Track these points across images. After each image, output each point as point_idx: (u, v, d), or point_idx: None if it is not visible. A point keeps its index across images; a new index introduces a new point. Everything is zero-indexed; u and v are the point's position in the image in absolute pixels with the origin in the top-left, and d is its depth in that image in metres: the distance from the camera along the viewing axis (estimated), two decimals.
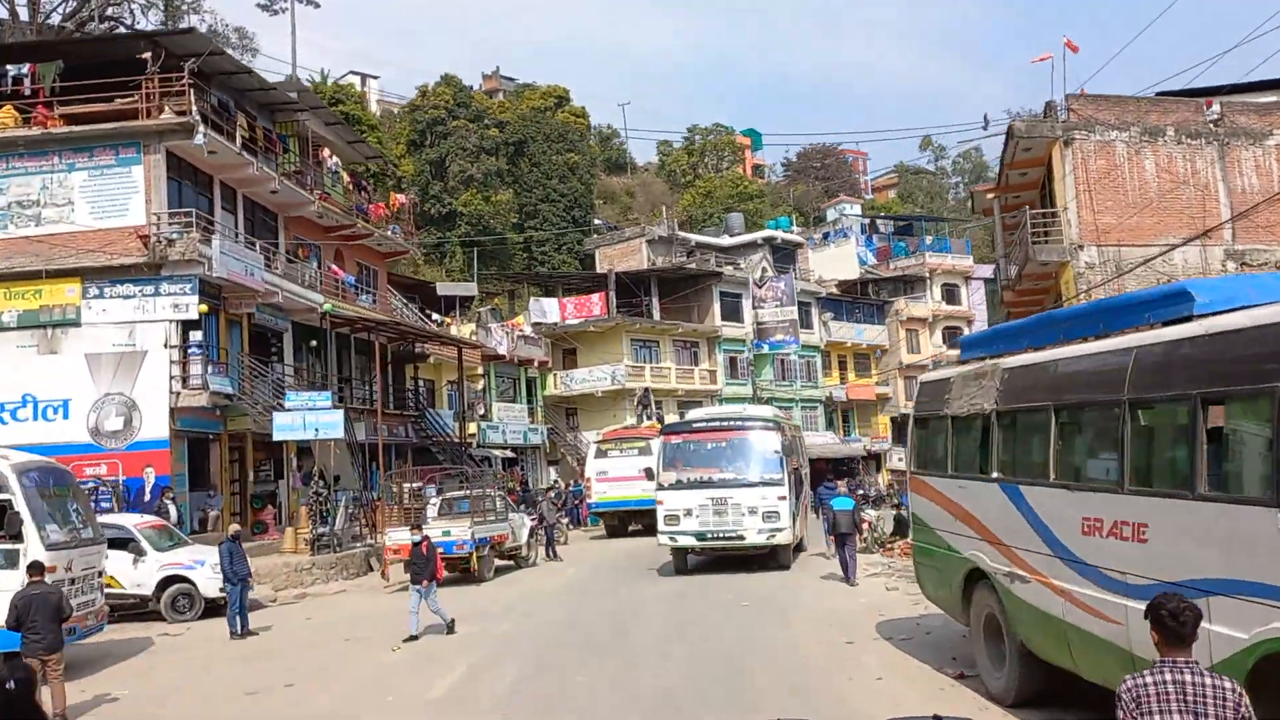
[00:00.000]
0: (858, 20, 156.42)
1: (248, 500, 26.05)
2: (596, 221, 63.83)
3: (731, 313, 52.19)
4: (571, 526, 35.22)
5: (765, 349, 33.23)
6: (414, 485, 30.51)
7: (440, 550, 19.88)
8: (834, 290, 58.73)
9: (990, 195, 28.93)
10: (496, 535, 21.89)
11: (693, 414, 23.23)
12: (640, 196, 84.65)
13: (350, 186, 32.83)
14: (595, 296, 47.51)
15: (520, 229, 64.68)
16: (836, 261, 62.94)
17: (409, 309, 39.43)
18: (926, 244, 63.86)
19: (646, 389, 35.87)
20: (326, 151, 31.26)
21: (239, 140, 25.67)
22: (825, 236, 67.19)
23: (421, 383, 38.03)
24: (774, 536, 18.28)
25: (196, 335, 23.22)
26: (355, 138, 33.95)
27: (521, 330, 44.90)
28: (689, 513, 18.27)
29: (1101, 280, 24.23)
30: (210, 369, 23.48)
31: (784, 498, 18.22)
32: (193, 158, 24.82)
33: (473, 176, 63.01)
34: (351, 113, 56.51)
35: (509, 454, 41.44)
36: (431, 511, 23.43)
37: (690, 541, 19.12)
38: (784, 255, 57.73)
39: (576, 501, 36.94)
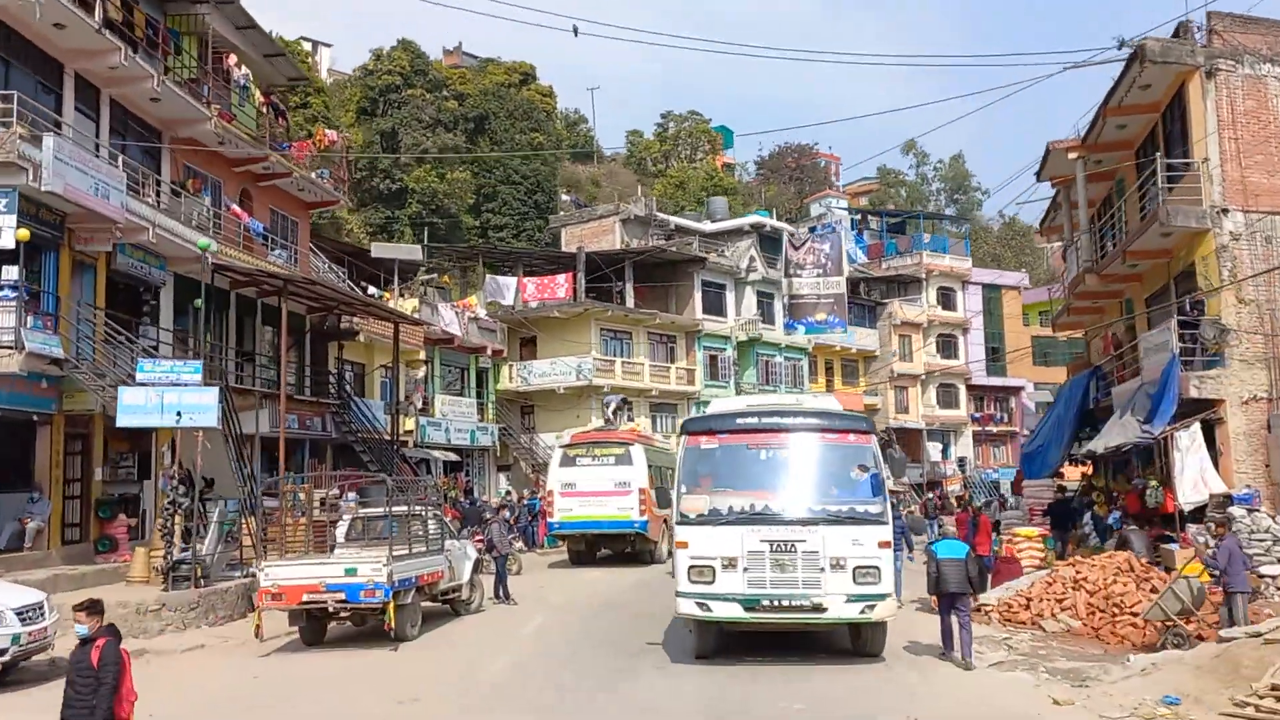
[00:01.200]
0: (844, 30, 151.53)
1: (91, 507, 19.18)
2: (564, 197, 57.32)
3: (714, 306, 46.01)
4: (525, 549, 28.67)
5: (800, 331, 25.75)
6: (329, 493, 23.99)
7: (341, 596, 13.43)
8: None
9: (1073, 154, 23.01)
10: (427, 574, 15.35)
11: (727, 404, 16.88)
12: (606, 186, 78.49)
13: (265, 110, 26.02)
14: (561, 278, 41.02)
15: (477, 212, 58.18)
16: None
17: (338, 276, 32.64)
18: (924, 242, 58.24)
19: (624, 399, 29.42)
20: (234, 59, 24.45)
21: (99, 14, 18.86)
22: (811, 231, 61.14)
23: (348, 366, 31.27)
24: (871, 608, 11.30)
25: (11, 273, 16.42)
26: (275, 50, 27.14)
27: (474, 312, 38.27)
28: (730, 564, 11.12)
29: (1250, 262, 18.32)
30: (31, 322, 16.66)
31: (887, 544, 11.53)
32: (29, 29, 18.01)
33: (427, 151, 56.64)
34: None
35: (452, 456, 34.76)
36: (340, 532, 16.79)
37: (733, 612, 11.47)
38: (773, 245, 51.57)
39: (531, 518, 30.39)
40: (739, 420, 12.23)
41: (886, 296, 56.86)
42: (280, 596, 13.91)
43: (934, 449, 56.98)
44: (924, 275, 56.81)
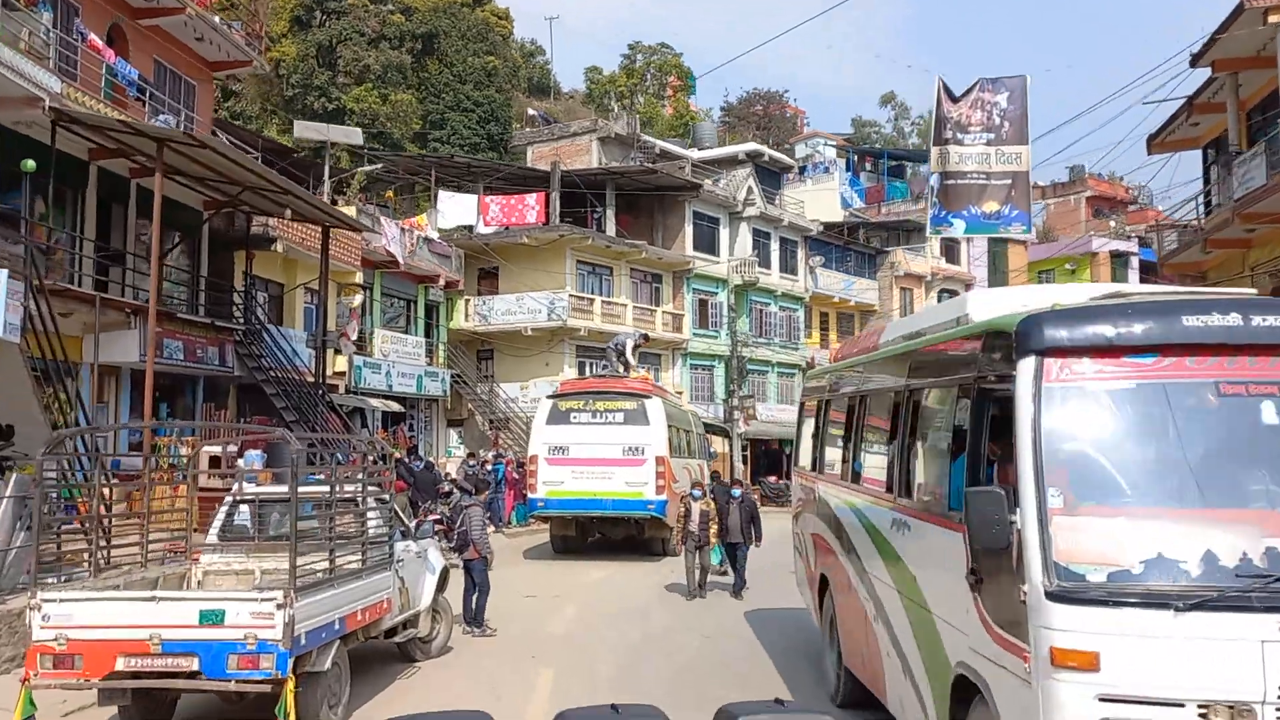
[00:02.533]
0: None
1: None
2: (530, 112, 50.03)
3: (706, 242, 39.41)
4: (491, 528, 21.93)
5: (950, 226, 18.29)
6: (225, 451, 17.38)
7: (192, 664, 6.72)
8: (819, 231, 46.43)
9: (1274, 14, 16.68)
10: (363, 610, 8.58)
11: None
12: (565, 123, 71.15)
13: None
14: (531, 199, 34.05)
15: (423, 140, 50.70)
16: (815, 202, 50.49)
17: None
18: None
19: (644, 335, 22.25)
20: None
21: None
22: (801, 171, 54.79)
23: (261, 285, 24.10)
24: None
25: None
26: None
27: (424, 233, 31.14)
28: None
29: None
30: None
31: None
32: None
33: (369, 68, 49.32)
34: None
35: (394, 406, 27.80)
36: (213, 532, 9.85)
37: None
38: (771, 180, 45.13)
39: (495, 487, 23.59)
40: None
41: (887, 245, 50.73)
42: (72, 661, 7.10)
43: None
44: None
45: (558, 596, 14.74)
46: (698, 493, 14.73)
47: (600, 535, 19.52)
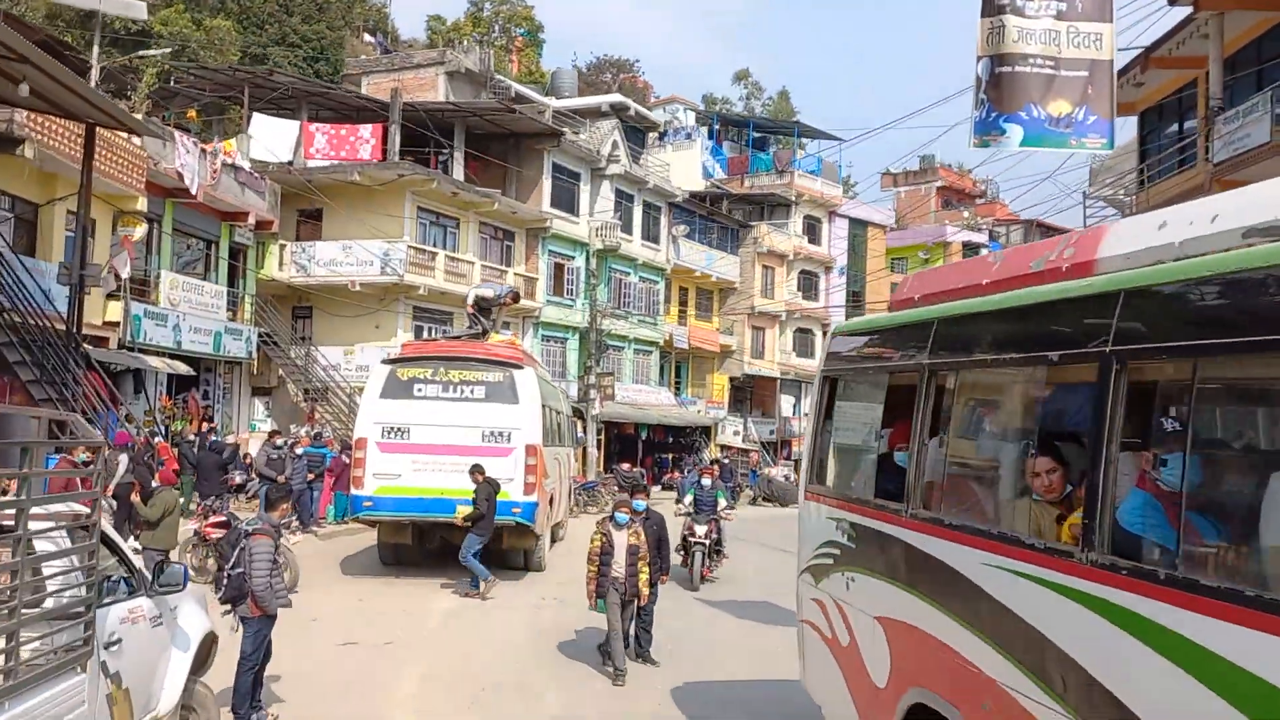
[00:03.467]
0: None
1: None
2: (368, 38, 44.34)
3: (565, 199, 35.20)
4: (299, 529, 17.15)
5: (1002, 135, 13.48)
6: None
7: None
8: (684, 198, 42.95)
9: None
10: None
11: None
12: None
13: None
14: (366, 130, 29.02)
15: None
16: (676, 170, 46.96)
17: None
18: (799, 160, 49.54)
19: (513, 291, 16.75)
20: None
21: None
22: (661, 137, 51.16)
23: (5, 204, 18.38)
24: None
25: None
26: None
27: (232, 159, 25.64)
28: None
29: None
30: None
31: None
32: None
33: None
34: None
35: (182, 368, 22.34)
36: None
37: None
38: (636, 138, 41.29)
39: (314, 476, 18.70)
40: None
41: (750, 220, 47.79)
42: None
43: (787, 403, 48.88)
44: (794, 198, 48.15)
45: (390, 645, 10.39)
46: (622, 516, 10.04)
47: (442, 540, 15.17)
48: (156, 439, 17.14)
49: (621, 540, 9.60)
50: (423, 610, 12.28)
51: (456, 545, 15.01)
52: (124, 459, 14.07)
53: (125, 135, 19.98)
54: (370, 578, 14.33)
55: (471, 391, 13.94)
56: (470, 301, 15.57)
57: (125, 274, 18.66)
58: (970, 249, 59.57)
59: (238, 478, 13.34)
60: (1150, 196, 19.06)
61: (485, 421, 13.81)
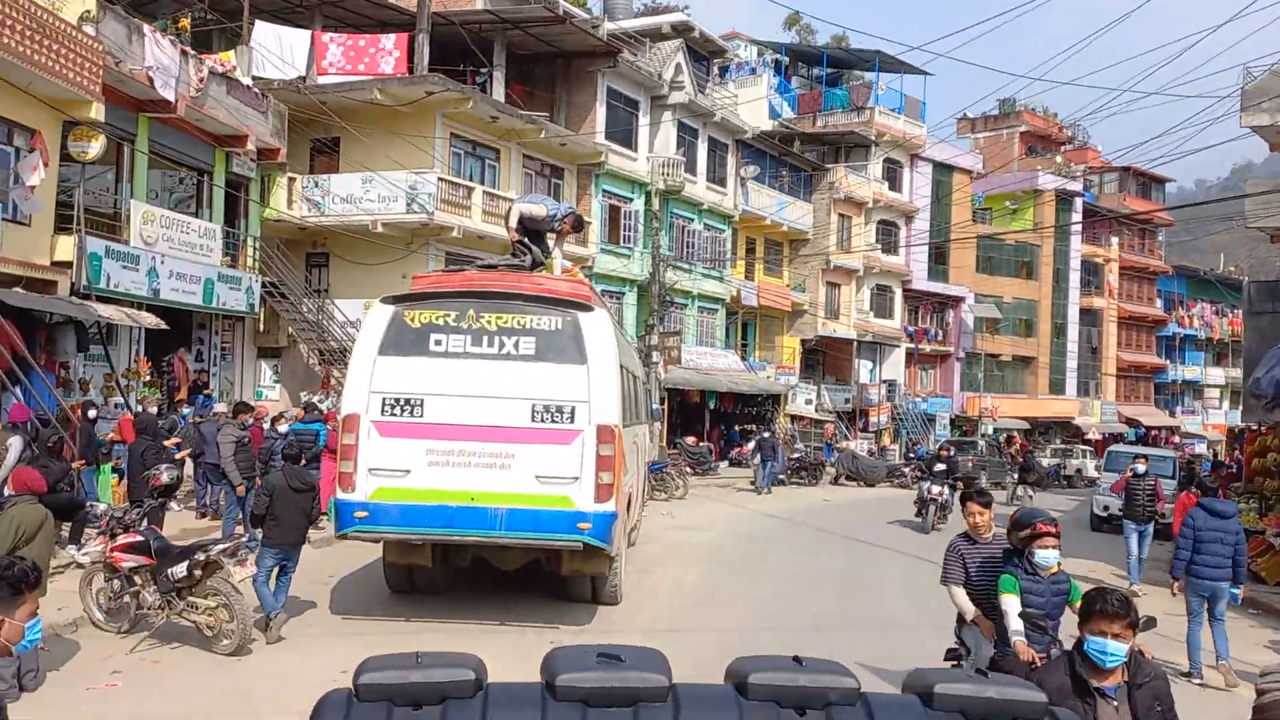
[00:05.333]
0: None
1: None
2: None
3: (622, 133, 30.38)
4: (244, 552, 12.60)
5: None
6: None
7: None
8: (754, 135, 37.88)
9: None
10: None
11: None
12: None
13: None
14: (389, 40, 24.36)
15: None
16: (740, 109, 41.82)
17: None
18: (879, 96, 44.19)
19: (575, 211, 12.01)
20: None
21: None
22: (723, 73, 45.93)
23: None
24: None
25: None
26: None
27: (228, 68, 21.12)
28: None
29: None
30: None
31: None
32: None
33: None
34: None
35: (149, 321, 17.78)
36: None
37: None
38: (703, 67, 36.33)
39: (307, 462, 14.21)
40: None
41: (825, 163, 42.62)
42: None
43: (864, 368, 43.91)
44: (874, 139, 42.86)
45: None
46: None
47: (477, 559, 10.58)
48: (93, 412, 12.68)
49: None
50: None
51: (497, 566, 10.51)
52: (15, 443, 9.67)
53: (72, 22, 15.54)
54: (371, 619, 9.83)
55: (517, 345, 9.30)
56: (513, 221, 10.90)
57: (32, 182, 14.08)
58: (1063, 198, 53.94)
59: (164, 475, 8.84)
60: None
61: (537, 390, 9.19)
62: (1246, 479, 17.10)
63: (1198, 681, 9.12)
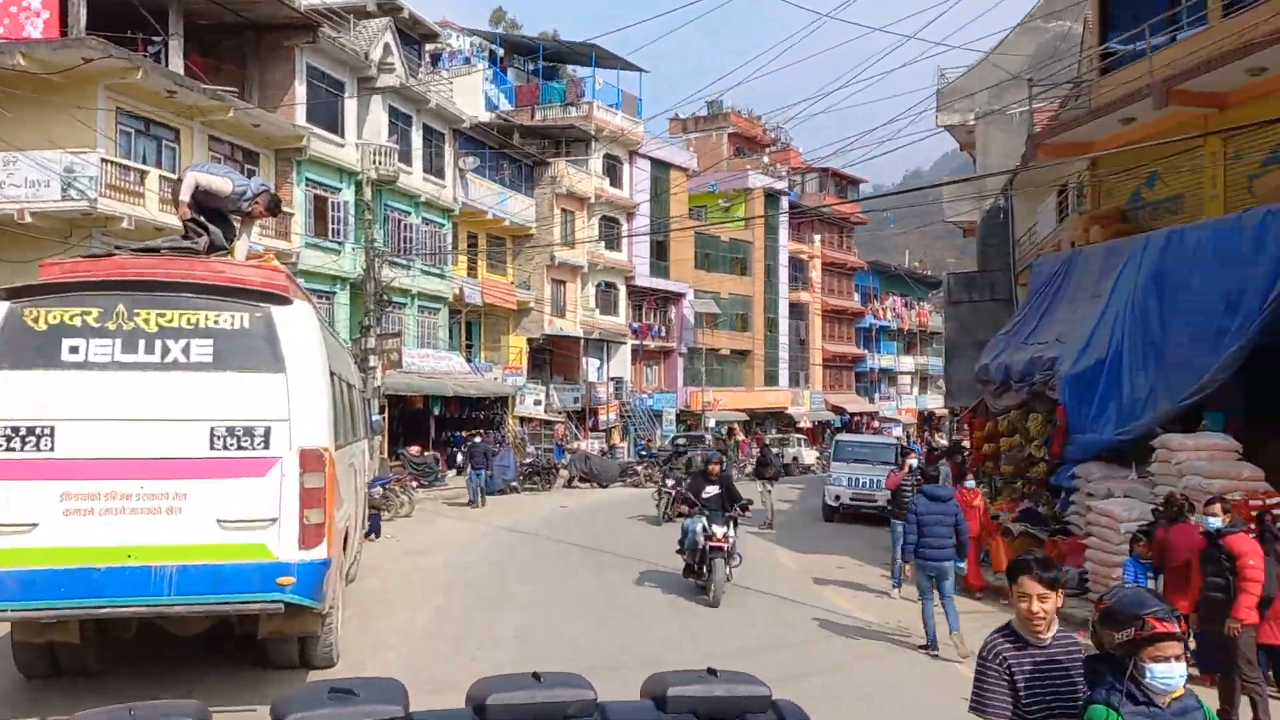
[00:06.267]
0: None
1: None
2: None
3: (327, 116, 27.59)
4: None
5: None
6: None
7: None
8: (472, 126, 36.02)
9: None
10: None
11: None
12: None
13: None
14: (36, 1, 20.51)
15: None
16: (455, 100, 39.82)
17: None
18: (596, 91, 43.61)
19: (266, 189, 9.52)
20: None
21: None
22: (435, 61, 43.68)
23: None
24: None
25: None
26: None
27: None
28: None
29: None
30: None
31: None
32: None
33: None
34: None
35: None
36: None
37: None
38: (414, 50, 34.05)
39: None
40: None
41: (545, 156, 41.48)
42: None
43: (592, 366, 43.24)
44: (594, 133, 42.25)
45: None
46: None
47: (145, 626, 8.23)
48: None
49: None
50: None
51: (173, 633, 8.24)
52: None
53: None
54: None
55: (188, 351, 7.11)
56: (185, 194, 8.58)
57: None
58: (771, 195, 56.03)
59: None
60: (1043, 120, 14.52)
61: (218, 408, 7.06)
62: (976, 463, 17.45)
63: (934, 653, 9.88)
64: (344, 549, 8.99)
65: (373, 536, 15.89)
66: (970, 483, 12.15)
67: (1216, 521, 7.43)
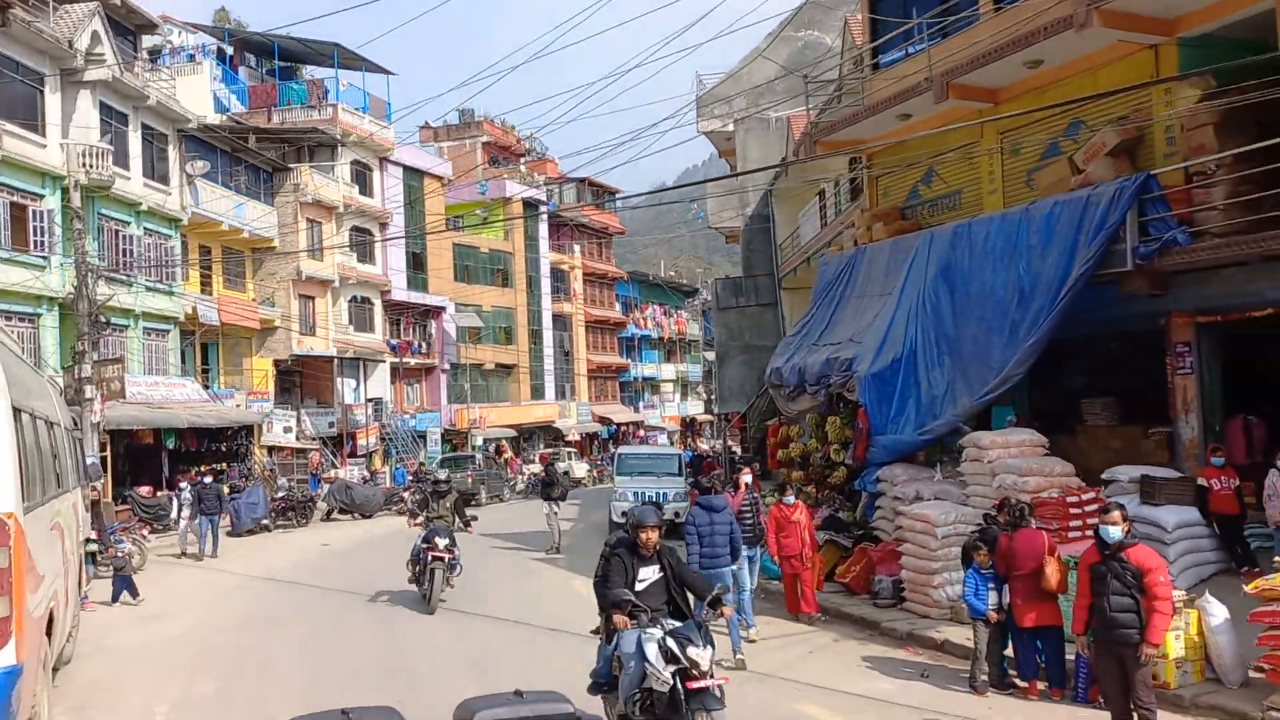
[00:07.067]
0: None
1: None
2: None
3: (23, 110, 23.79)
4: None
5: None
6: None
7: None
8: (200, 127, 32.54)
9: None
10: None
11: None
12: None
13: None
14: None
15: None
16: (180, 100, 36.02)
17: None
18: (340, 93, 40.82)
19: None
20: None
21: None
22: (155, 57, 39.50)
23: None
24: None
25: None
26: None
27: None
28: None
29: None
30: None
31: None
32: None
33: None
34: None
35: None
36: None
37: None
38: (129, 42, 30.28)
39: None
40: None
41: (287, 162, 38.36)
42: None
43: (347, 387, 40.39)
44: (340, 137, 39.54)
45: None
46: None
47: None
48: None
49: None
50: None
51: None
52: None
53: None
54: None
55: None
56: None
57: None
58: (530, 205, 54.91)
59: None
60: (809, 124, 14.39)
61: None
62: (771, 469, 16.92)
63: (739, 657, 9.65)
64: (49, 636, 6.89)
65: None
66: (790, 498, 11.33)
67: (1117, 531, 6.61)
